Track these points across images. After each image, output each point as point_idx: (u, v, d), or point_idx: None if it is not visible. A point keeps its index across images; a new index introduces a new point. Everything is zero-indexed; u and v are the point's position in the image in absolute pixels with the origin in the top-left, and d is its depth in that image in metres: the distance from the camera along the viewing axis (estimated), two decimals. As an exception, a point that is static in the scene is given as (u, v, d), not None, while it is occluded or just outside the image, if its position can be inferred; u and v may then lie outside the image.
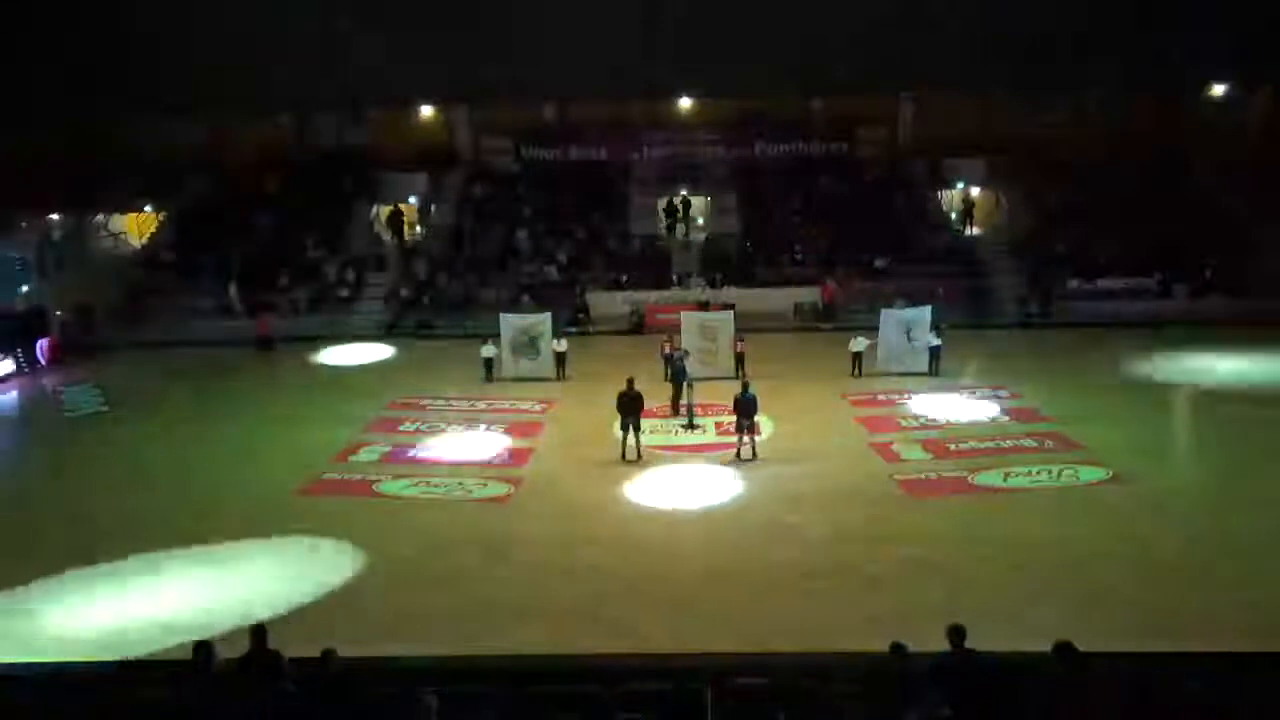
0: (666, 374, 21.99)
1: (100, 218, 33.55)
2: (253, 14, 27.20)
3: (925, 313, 22.10)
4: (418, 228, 34.00)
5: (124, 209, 33.86)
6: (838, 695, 7.78)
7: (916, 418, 18.65)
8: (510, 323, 22.87)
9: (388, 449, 17.71)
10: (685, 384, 19.27)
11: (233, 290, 29.32)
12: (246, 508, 14.93)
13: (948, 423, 18.33)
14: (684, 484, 15.60)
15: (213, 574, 12.58)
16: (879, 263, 30.00)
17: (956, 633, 7.44)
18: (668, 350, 22.27)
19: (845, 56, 28.21)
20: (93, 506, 15.19)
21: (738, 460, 16.46)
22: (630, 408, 16.57)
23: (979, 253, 31.03)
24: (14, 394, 23.63)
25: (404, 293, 29.85)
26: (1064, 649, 6.80)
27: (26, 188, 30.79)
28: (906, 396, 20.13)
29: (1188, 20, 26.58)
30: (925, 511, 14.02)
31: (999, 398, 19.84)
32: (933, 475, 15.47)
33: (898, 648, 7.59)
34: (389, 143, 35.48)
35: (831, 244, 31.20)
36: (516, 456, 17.14)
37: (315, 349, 26.58)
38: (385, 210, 33.59)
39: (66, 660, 9.75)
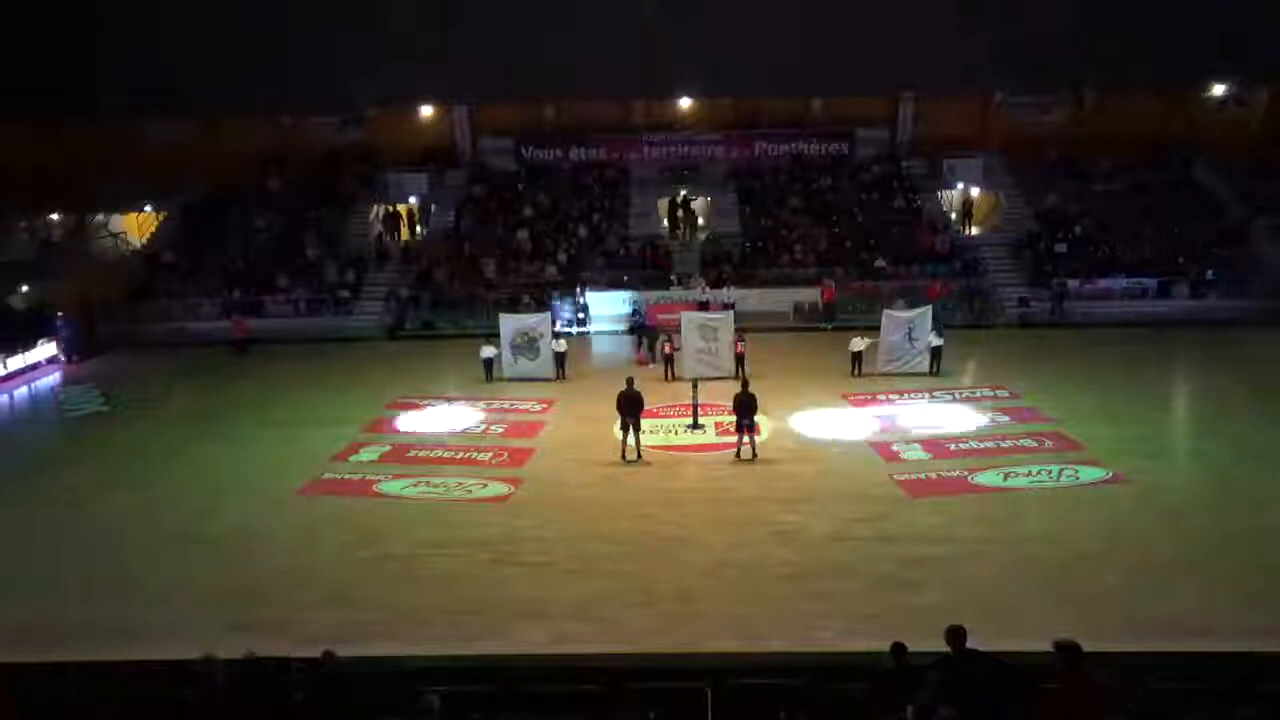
0: (668, 374, 22.10)
1: (100, 218, 33.56)
2: (254, 14, 27.23)
3: (926, 313, 22.11)
4: (418, 227, 34.01)
5: (124, 209, 33.89)
6: (838, 695, 7.79)
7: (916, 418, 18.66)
8: (510, 323, 22.88)
9: (388, 449, 17.72)
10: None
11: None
12: (246, 507, 14.94)
13: (947, 423, 18.34)
14: (683, 484, 15.60)
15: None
16: (879, 263, 30.01)
17: (955, 635, 7.43)
18: (667, 350, 22.35)
19: (845, 56, 28.25)
20: (93, 506, 15.20)
21: (738, 460, 16.47)
22: (630, 408, 16.57)
23: (979, 253, 31.04)
24: (12, 394, 23.64)
25: (404, 293, 29.86)
26: (1065, 647, 6.80)
27: (27, 188, 30.86)
28: (906, 396, 20.17)
29: (1189, 18, 26.61)
30: (925, 511, 14.01)
31: (999, 397, 19.87)
32: (933, 475, 15.46)
33: (898, 648, 7.59)
34: (389, 143, 35.53)
35: (831, 244, 31.23)
36: (516, 456, 17.14)
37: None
38: (382, 210, 33.60)
39: (69, 659, 9.73)
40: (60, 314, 26.96)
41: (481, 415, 19.80)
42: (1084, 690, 6.64)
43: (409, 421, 19.43)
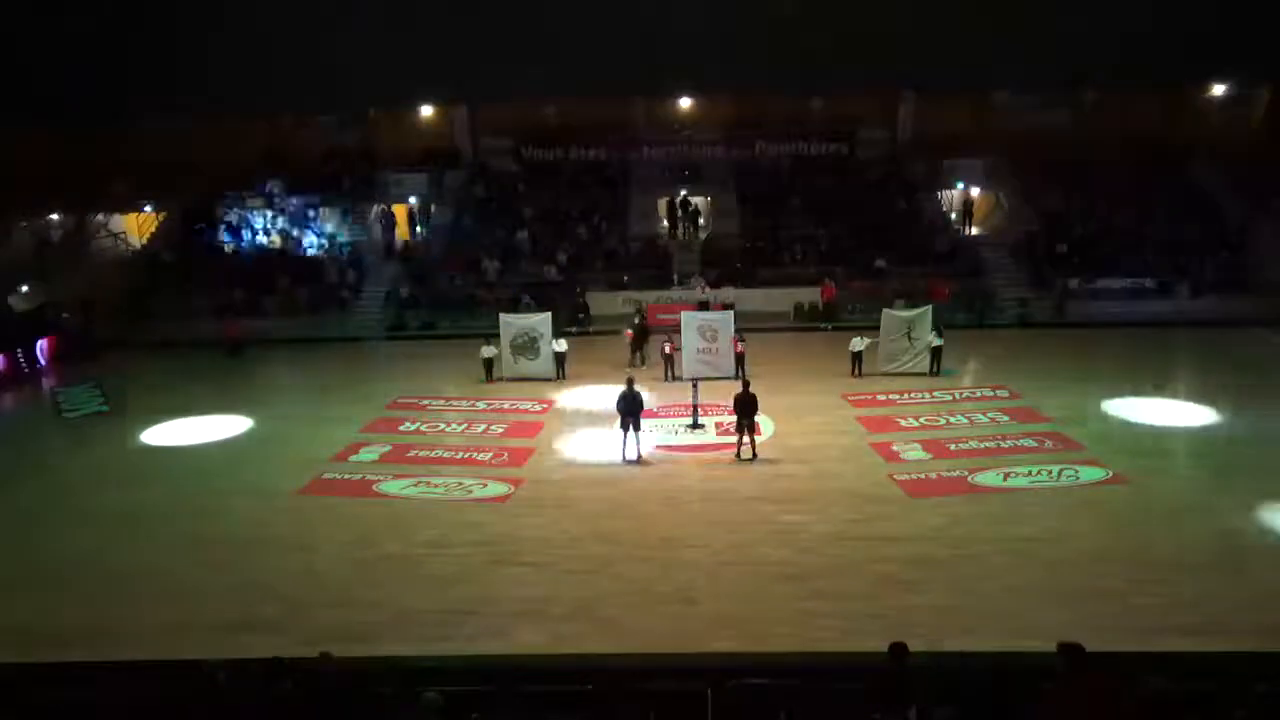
0: (668, 374, 22.14)
1: (100, 218, 33.56)
2: (254, 14, 27.26)
3: (926, 313, 22.10)
4: (419, 228, 34.01)
5: (124, 209, 33.90)
6: (838, 695, 7.78)
7: (916, 418, 18.66)
8: (510, 323, 22.88)
9: (388, 449, 17.71)
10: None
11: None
12: (247, 507, 14.94)
13: (947, 423, 18.34)
14: (683, 484, 15.60)
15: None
16: (879, 263, 30.00)
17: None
18: (668, 350, 22.35)
19: (845, 56, 28.29)
20: (92, 507, 15.20)
21: (738, 460, 16.47)
22: (630, 407, 16.57)
23: (979, 253, 31.04)
24: (12, 394, 23.64)
25: (404, 293, 29.86)
26: (1068, 649, 6.80)
27: (27, 187, 30.89)
28: (906, 396, 20.17)
29: (1189, 18, 26.64)
30: (925, 511, 14.01)
31: (999, 397, 19.87)
32: (932, 475, 15.46)
33: (898, 648, 7.58)
34: (389, 143, 35.54)
35: (831, 244, 31.22)
36: (516, 456, 17.14)
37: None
38: (379, 210, 33.60)
39: (70, 659, 9.74)
40: (64, 315, 26.94)
41: (481, 415, 19.80)
42: (1091, 691, 6.63)
43: (409, 421, 19.41)
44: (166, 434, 19.26)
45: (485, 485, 15.68)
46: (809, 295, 28.85)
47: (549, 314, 23.42)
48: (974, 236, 32.68)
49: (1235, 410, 18.46)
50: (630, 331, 24.00)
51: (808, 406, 19.60)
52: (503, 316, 23.41)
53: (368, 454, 17.44)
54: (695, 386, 18.98)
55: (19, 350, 25.17)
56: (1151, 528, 13.17)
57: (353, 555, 13.06)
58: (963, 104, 34.03)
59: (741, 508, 14.40)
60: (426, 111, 35.42)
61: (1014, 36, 28.02)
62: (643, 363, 23.27)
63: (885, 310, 22.91)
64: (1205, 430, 17.86)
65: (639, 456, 16.58)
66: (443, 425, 19.19)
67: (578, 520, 14.09)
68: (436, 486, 15.68)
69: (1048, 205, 31.94)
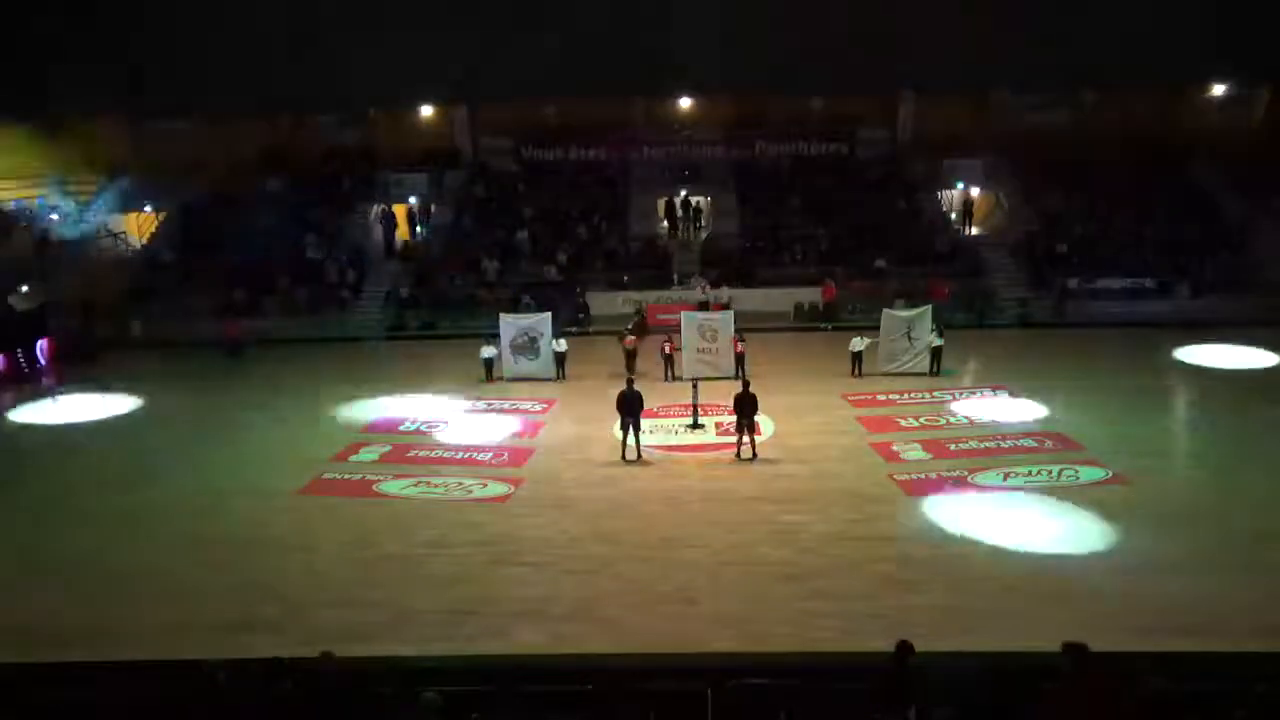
0: (668, 374, 22.13)
1: (100, 217, 33.54)
2: (254, 14, 27.27)
3: (925, 312, 22.10)
4: (419, 228, 33.99)
5: (124, 207, 33.91)
6: (838, 695, 7.79)
7: (916, 418, 18.65)
8: (510, 323, 22.88)
9: (388, 449, 17.71)
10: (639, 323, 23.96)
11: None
12: (247, 507, 14.94)
13: (947, 423, 18.33)
14: (683, 484, 15.60)
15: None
16: (879, 263, 29.99)
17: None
18: (668, 350, 22.35)
19: (845, 56, 28.31)
20: (92, 507, 15.20)
21: (738, 460, 16.46)
22: (630, 407, 16.57)
23: (979, 253, 31.03)
24: (12, 394, 23.61)
25: (404, 293, 29.85)
26: (1073, 648, 6.80)
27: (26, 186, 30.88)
28: (906, 396, 20.17)
29: (1189, 18, 26.65)
30: (925, 511, 14.00)
31: (999, 398, 19.87)
32: (933, 475, 15.46)
33: (903, 646, 7.57)
34: (389, 143, 35.53)
35: (831, 244, 31.22)
36: (516, 456, 17.14)
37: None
38: (379, 210, 33.59)
39: (70, 659, 9.74)
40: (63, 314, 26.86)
41: (481, 415, 19.79)
42: (1092, 691, 6.63)
43: (409, 421, 19.41)
44: (165, 434, 19.25)
45: (485, 485, 15.69)
46: (809, 295, 28.83)
47: (549, 314, 23.42)
48: (974, 236, 32.67)
49: (1232, 409, 18.46)
50: (630, 337, 23.12)
51: (808, 406, 19.60)
52: (503, 316, 23.41)
53: (368, 454, 17.44)
54: (695, 386, 18.98)
55: (19, 350, 25.13)
56: (1152, 527, 13.16)
57: (353, 555, 13.07)
58: (963, 104, 34.02)
59: (741, 508, 14.40)
60: (426, 111, 35.38)
61: (1014, 36, 28.05)
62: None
63: (885, 310, 22.91)
64: (1205, 430, 17.87)
65: (639, 456, 16.58)
66: (443, 425, 19.18)
67: (578, 520, 14.10)
68: (436, 486, 15.68)
69: (1048, 205, 31.92)
